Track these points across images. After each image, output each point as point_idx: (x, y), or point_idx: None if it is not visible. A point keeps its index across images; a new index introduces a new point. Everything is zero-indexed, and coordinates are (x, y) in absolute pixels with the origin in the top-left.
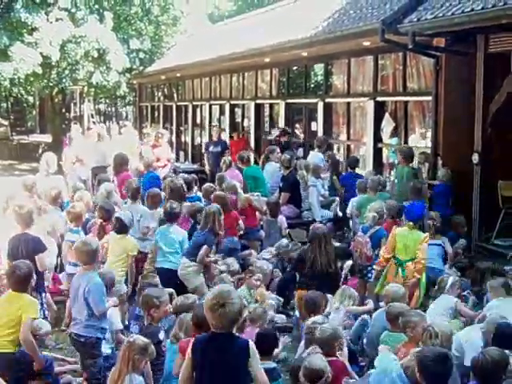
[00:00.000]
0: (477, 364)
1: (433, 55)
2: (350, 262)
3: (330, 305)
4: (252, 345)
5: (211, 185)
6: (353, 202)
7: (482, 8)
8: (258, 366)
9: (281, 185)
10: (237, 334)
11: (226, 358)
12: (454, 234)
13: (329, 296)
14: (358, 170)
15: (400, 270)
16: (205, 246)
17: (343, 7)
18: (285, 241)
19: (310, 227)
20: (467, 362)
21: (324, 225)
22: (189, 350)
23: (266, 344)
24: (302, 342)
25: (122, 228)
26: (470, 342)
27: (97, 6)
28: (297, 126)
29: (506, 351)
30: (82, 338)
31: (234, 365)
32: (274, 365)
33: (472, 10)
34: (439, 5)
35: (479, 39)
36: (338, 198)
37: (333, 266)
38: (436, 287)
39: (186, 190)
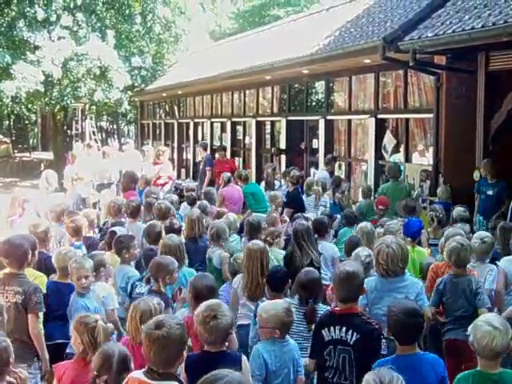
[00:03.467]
0: None
1: (434, 72)
2: None
3: None
4: (245, 360)
5: None
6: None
7: (483, 26)
8: (249, 382)
9: (284, 200)
10: (228, 351)
11: None
12: None
13: None
14: None
15: None
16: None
17: (344, 25)
18: None
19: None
20: None
21: None
22: (182, 370)
23: (277, 281)
24: None
25: None
26: None
27: (99, 24)
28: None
29: None
30: None
31: None
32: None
33: (472, 28)
34: (440, 23)
35: (480, 57)
36: (339, 216)
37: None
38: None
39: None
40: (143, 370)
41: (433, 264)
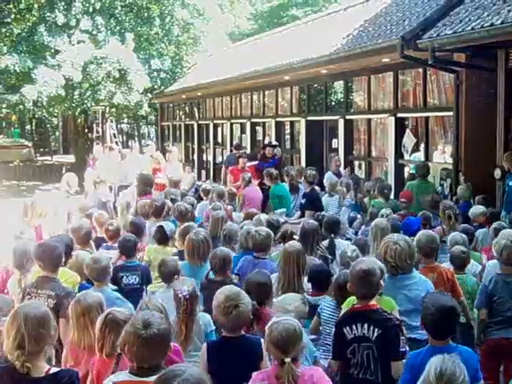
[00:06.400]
0: None
1: (453, 70)
2: None
3: None
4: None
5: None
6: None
7: (502, 22)
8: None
9: (303, 202)
10: (248, 335)
11: (240, 360)
12: None
13: None
14: None
15: None
16: None
17: (362, 24)
18: None
19: (301, 223)
20: None
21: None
22: (203, 358)
23: (321, 280)
24: None
25: (163, 238)
26: None
27: (118, 28)
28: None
29: None
30: None
31: (247, 366)
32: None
33: (492, 24)
34: (458, 20)
35: (500, 54)
36: (359, 216)
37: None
38: None
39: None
40: (127, 370)
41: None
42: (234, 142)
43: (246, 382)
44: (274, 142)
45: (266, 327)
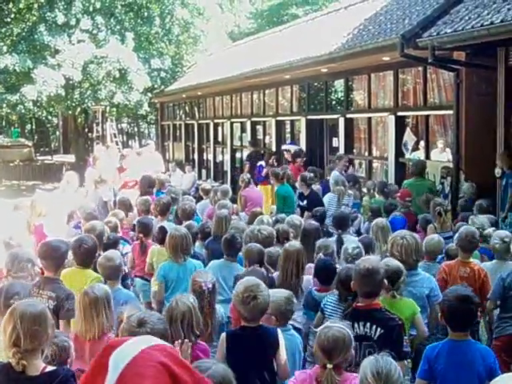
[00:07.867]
0: None
1: (453, 69)
2: None
3: None
4: (280, 334)
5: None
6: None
7: (502, 21)
8: (283, 355)
9: (302, 203)
10: (265, 325)
11: (258, 349)
12: None
13: None
14: None
15: None
16: None
17: (362, 23)
18: None
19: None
20: None
21: None
22: (222, 347)
23: (326, 274)
24: None
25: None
26: None
27: (118, 27)
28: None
29: None
30: None
31: (264, 355)
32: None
33: (491, 23)
34: (458, 18)
35: (500, 52)
36: (360, 215)
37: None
38: None
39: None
40: None
41: (443, 264)
42: (249, 140)
43: (262, 371)
44: (286, 147)
45: (318, 329)
